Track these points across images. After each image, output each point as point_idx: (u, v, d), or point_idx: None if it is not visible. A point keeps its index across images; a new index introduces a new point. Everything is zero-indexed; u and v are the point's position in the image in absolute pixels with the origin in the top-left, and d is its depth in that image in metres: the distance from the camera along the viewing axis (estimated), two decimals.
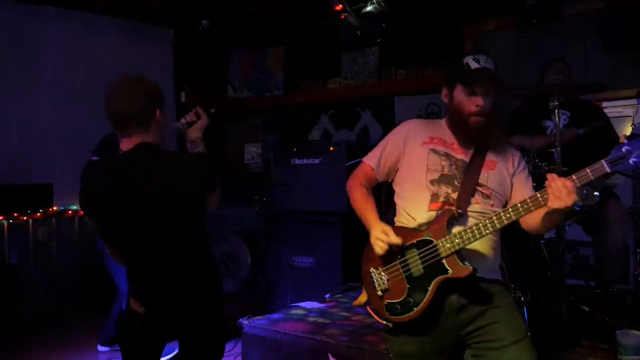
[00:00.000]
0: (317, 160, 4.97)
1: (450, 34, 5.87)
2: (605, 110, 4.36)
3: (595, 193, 3.21)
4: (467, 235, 2.01)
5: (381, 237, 2.10)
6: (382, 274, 2.16)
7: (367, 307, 2.24)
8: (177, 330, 2.26)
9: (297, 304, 4.24)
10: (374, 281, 2.19)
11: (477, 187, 2.17)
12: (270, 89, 7.41)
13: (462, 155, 2.23)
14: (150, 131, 2.18)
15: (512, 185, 2.25)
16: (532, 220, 2.10)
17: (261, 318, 3.84)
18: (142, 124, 2.15)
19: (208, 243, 2.32)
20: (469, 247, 2.04)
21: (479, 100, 2.15)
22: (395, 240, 2.07)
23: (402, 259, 2.10)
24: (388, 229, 2.12)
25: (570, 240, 4.41)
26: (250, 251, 5.69)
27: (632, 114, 5.01)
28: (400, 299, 2.09)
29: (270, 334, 3.63)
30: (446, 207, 2.10)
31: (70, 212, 5.89)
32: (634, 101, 5.00)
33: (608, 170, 1.76)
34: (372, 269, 2.21)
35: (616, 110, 5.00)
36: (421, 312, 2.04)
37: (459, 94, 2.20)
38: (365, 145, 6.19)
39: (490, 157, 2.24)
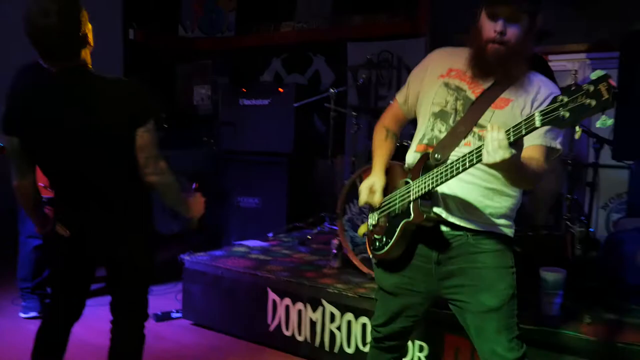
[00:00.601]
0: (266, 101, 4.93)
1: None
2: (551, 64, 4.45)
3: None
4: (429, 181, 1.85)
5: (363, 192, 2.08)
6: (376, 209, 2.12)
7: (366, 237, 2.21)
8: (103, 254, 2.24)
9: (240, 242, 4.28)
10: (369, 214, 2.16)
11: (475, 128, 1.92)
12: (222, 30, 7.23)
13: (473, 90, 1.97)
14: (80, 57, 2.06)
15: None
16: None
17: (203, 254, 3.87)
18: (72, 46, 2.02)
19: (137, 174, 2.25)
20: (454, 195, 1.91)
21: (498, 25, 1.85)
22: (375, 200, 2.05)
23: (390, 198, 2.04)
24: (378, 185, 2.06)
25: None
26: (197, 191, 5.65)
27: (576, 69, 5.13)
28: (380, 236, 2.06)
29: (211, 269, 3.66)
30: (429, 149, 1.96)
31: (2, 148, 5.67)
32: (579, 55, 5.12)
33: (538, 124, 1.55)
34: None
35: (560, 64, 5.11)
36: (390, 252, 1.99)
37: (483, 18, 1.91)
38: (317, 89, 6.16)
39: (506, 94, 1.94)
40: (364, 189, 2.07)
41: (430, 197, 1.88)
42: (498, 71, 1.91)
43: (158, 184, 2.21)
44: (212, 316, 3.65)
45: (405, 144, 3.39)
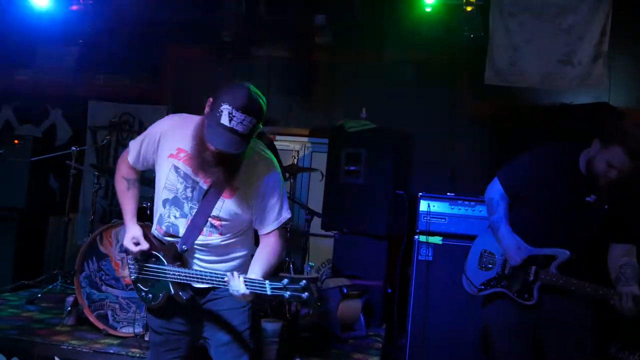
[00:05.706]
0: None
1: (154, 50, 6.13)
2: (277, 143, 5.20)
3: None
4: (183, 276, 2.18)
5: (130, 247, 2.26)
6: (137, 263, 2.32)
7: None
8: None
9: None
10: (130, 266, 2.36)
11: (209, 219, 2.19)
12: None
13: (204, 179, 2.18)
14: None
15: (255, 210, 2.24)
16: None
17: None
18: None
19: None
20: (203, 264, 2.23)
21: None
22: (143, 247, 2.24)
23: (149, 262, 2.28)
24: (138, 235, 2.26)
25: None
26: None
27: (298, 149, 6.02)
28: (146, 289, 2.29)
29: None
30: (170, 238, 2.24)
31: None
32: (301, 139, 6.03)
33: (269, 293, 1.95)
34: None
35: (285, 144, 5.96)
36: (155, 307, 2.29)
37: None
38: (53, 144, 6.00)
39: (235, 182, 2.17)
40: (128, 243, 2.28)
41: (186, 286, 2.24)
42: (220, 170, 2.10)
43: None
44: None
45: (144, 205, 3.68)
